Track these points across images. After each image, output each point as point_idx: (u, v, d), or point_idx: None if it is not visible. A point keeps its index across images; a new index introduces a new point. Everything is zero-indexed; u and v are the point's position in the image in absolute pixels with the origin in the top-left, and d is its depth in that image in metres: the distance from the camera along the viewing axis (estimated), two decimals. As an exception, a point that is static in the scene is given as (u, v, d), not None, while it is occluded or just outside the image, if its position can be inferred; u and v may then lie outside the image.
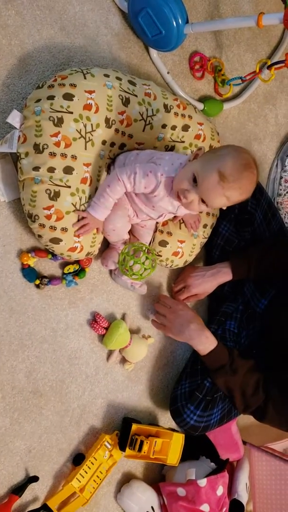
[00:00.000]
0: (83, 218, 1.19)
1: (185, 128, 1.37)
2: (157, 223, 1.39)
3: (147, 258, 1.27)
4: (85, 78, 1.19)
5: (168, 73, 1.52)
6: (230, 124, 1.73)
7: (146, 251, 1.28)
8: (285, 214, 1.86)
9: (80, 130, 1.17)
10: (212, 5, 1.65)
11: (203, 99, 1.63)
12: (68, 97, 1.16)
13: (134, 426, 1.36)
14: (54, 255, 1.25)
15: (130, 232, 1.38)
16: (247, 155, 1.11)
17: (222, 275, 1.46)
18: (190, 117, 1.38)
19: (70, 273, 1.28)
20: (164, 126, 1.33)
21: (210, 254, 1.56)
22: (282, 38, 1.88)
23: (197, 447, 1.51)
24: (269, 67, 1.54)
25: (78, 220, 1.19)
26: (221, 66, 1.68)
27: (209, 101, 1.63)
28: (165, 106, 1.32)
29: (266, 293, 1.53)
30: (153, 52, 1.48)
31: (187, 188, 1.12)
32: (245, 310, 1.54)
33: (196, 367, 1.44)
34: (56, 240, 1.17)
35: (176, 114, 1.35)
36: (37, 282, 1.23)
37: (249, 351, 1.45)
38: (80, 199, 1.19)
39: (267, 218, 1.53)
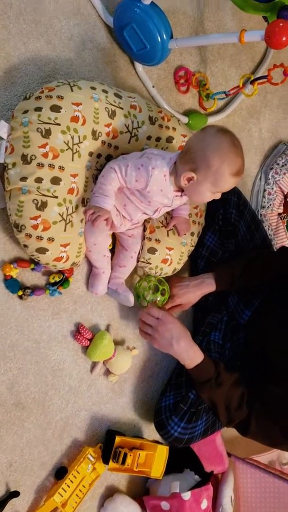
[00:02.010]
0: (92, 213, 1.17)
1: (169, 139, 1.39)
2: (144, 230, 1.40)
3: (164, 290, 1.39)
4: (72, 90, 1.20)
5: (153, 87, 1.54)
6: (214, 137, 1.75)
7: (161, 283, 1.40)
8: (268, 226, 1.88)
9: (68, 141, 1.18)
10: (197, 22, 1.68)
11: (187, 113, 1.65)
12: (56, 109, 1.16)
13: (118, 439, 1.35)
14: (37, 264, 1.24)
15: (118, 243, 1.38)
16: (224, 139, 1.16)
17: (206, 285, 1.46)
18: (174, 129, 1.40)
19: (54, 282, 1.27)
20: (149, 137, 1.34)
21: (195, 265, 1.57)
22: (266, 55, 1.92)
23: (182, 460, 1.50)
24: (252, 82, 1.57)
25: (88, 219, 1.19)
26: (205, 80, 1.70)
27: (193, 114, 1.65)
28: (150, 118, 1.34)
29: (250, 304, 1.54)
30: (139, 66, 1.50)
31: (208, 199, 1.24)
32: (230, 321, 1.55)
33: (180, 379, 1.43)
34: (42, 250, 1.17)
35: (160, 126, 1.36)
36: (20, 293, 1.22)
37: (234, 363, 1.46)
38: (67, 209, 1.19)
39: (250, 230, 1.54)
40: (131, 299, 1.37)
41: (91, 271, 1.36)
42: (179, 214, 1.39)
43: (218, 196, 1.24)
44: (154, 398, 1.52)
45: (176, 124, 1.42)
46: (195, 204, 1.45)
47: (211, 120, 1.72)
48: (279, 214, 1.96)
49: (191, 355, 1.32)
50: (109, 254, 1.34)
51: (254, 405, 1.32)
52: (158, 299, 1.39)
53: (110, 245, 1.36)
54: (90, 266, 1.36)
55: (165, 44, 1.35)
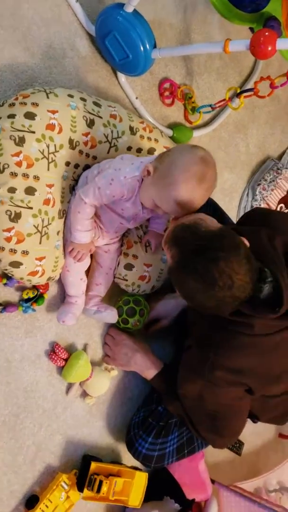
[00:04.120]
0: (72, 250, 1.18)
1: (151, 151, 1.34)
2: (121, 245, 1.34)
3: (143, 310, 1.38)
4: (48, 97, 1.15)
5: (136, 98, 1.50)
6: (200, 151, 1.71)
7: (138, 304, 1.38)
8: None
9: (43, 150, 1.13)
10: (183, 34, 1.65)
11: (172, 126, 1.61)
12: (30, 116, 1.11)
13: (93, 465, 1.27)
14: (9, 279, 1.18)
15: (94, 259, 1.32)
16: (197, 166, 1.04)
17: None
18: (156, 140, 1.35)
19: (28, 298, 1.21)
20: (129, 148, 1.29)
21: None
22: (254, 69, 1.89)
23: (161, 487, 1.42)
24: (238, 95, 1.54)
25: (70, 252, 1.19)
26: (191, 93, 1.67)
27: (178, 128, 1.61)
28: (131, 128, 1.29)
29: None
30: (121, 77, 1.46)
31: (152, 208, 1.14)
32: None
33: (152, 395, 1.39)
34: (16, 264, 1.11)
35: (142, 136, 1.32)
36: (-9, 309, 1.16)
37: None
38: (43, 220, 1.13)
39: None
40: (115, 315, 1.30)
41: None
42: (154, 228, 1.34)
43: (159, 211, 1.15)
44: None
45: (159, 135, 1.37)
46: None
47: (197, 134, 1.68)
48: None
49: (147, 367, 1.33)
50: (86, 280, 1.28)
51: None
52: (136, 319, 1.36)
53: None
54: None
55: (148, 54, 1.31)
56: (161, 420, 1.32)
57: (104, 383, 1.33)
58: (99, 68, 1.43)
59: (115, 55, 1.35)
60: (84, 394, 1.33)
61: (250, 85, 1.85)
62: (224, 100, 1.57)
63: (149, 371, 1.32)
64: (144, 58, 1.32)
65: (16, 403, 1.21)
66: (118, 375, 1.40)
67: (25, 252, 1.11)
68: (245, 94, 1.52)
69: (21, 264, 1.11)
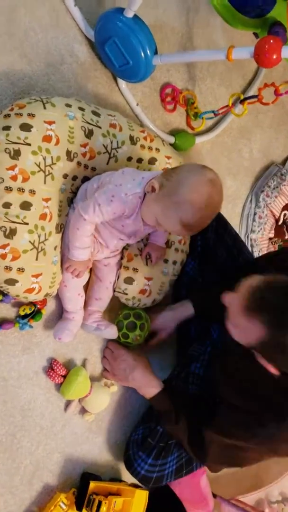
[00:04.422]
0: (68, 266, 1.15)
1: (152, 161, 1.30)
2: (121, 258, 1.30)
3: (144, 324, 1.33)
4: (44, 107, 1.11)
5: (137, 105, 1.46)
6: (202, 158, 1.67)
7: (139, 318, 1.33)
8: (259, 252, 1.79)
9: (39, 163, 1.09)
10: (185, 38, 1.61)
11: (174, 132, 1.57)
12: (26, 127, 1.07)
13: (92, 485, 1.24)
14: (5, 296, 1.14)
15: (93, 272, 1.29)
16: (205, 188, 1.01)
17: (181, 309, 1.39)
18: (157, 150, 1.31)
19: (25, 315, 1.17)
20: (129, 158, 1.25)
21: (178, 293, 1.47)
22: (257, 73, 1.84)
23: (163, 504, 1.39)
24: (242, 102, 1.50)
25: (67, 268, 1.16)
26: (193, 99, 1.62)
27: (180, 134, 1.57)
28: (131, 138, 1.25)
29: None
30: (122, 83, 1.42)
31: (152, 224, 1.11)
32: (214, 352, 1.45)
33: (151, 412, 1.35)
34: (11, 281, 1.07)
35: (142, 146, 1.28)
36: (-13, 326, 1.12)
37: (213, 396, 1.36)
38: (39, 236, 1.09)
39: (232, 254, 1.44)
40: (115, 333, 1.27)
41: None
42: (154, 241, 1.31)
43: (160, 228, 1.12)
44: (134, 436, 1.41)
45: (160, 145, 1.33)
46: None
47: (200, 140, 1.64)
48: (270, 238, 1.87)
49: (146, 385, 1.29)
50: (84, 295, 1.24)
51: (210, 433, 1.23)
52: (137, 333, 1.31)
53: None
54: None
55: (149, 60, 1.27)
56: (161, 441, 1.28)
57: (103, 399, 1.29)
58: (99, 74, 1.39)
59: (115, 61, 1.31)
60: (83, 411, 1.30)
61: (253, 90, 1.81)
62: (227, 106, 1.53)
63: (148, 390, 1.28)
64: (145, 65, 1.28)
65: (13, 422, 1.18)
66: (118, 390, 1.37)
67: (20, 269, 1.07)
68: (248, 100, 1.48)
69: (17, 281, 1.07)
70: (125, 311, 1.34)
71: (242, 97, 1.50)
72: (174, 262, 1.37)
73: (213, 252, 1.41)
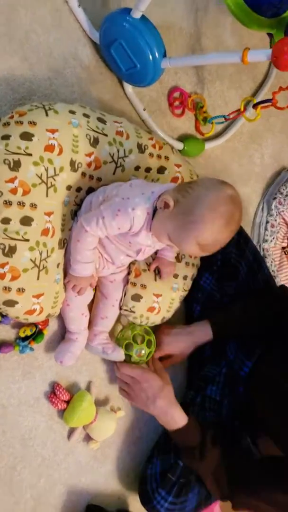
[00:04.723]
0: (69, 281, 1.07)
1: (161, 170, 1.22)
2: (128, 273, 1.22)
3: (150, 341, 1.24)
4: (47, 115, 1.03)
5: (144, 109, 1.37)
6: (212, 164, 1.59)
7: (146, 333, 1.24)
8: (271, 262, 1.71)
9: (41, 174, 1.01)
10: (193, 38, 1.53)
11: (183, 138, 1.49)
12: (27, 136, 0.99)
13: (97, 519, 1.16)
14: (4, 317, 1.06)
15: (98, 289, 1.20)
16: (225, 207, 0.93)
17: (200, 333, 1.29)
18: (166, 158, 1.23)
19: (26, 337, 1.09)
20: (137, 168, 1.17)
21: (191, 309, 1.39)
22: (268, 74, 1.76)
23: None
24: (254, 106, 1.41)
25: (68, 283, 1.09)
26: (202, 102, 1.54)
27: (189, 140, 1.48)
28: (139, 146, 1.17)
29: (251, 354, 1.35)
30: (128, 87, 1.34)
31: (165, 243, 1.03)
32: (229, 373, 1.37)
33: (169, 442, 1.24)
34: (10, 303, 0.99)
35: (151, 155, 1.19)
36: (-16, 351, 1.04)
37: (231, 423, 1.27)
38: (41, 253, 1.01)
39: (252, 271, 1.37)
40: (122, 356, 1.18)
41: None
42: (163, 255, 1.21)
43: (175, 249, 1.06)
44: (142, 463, 1.32)
45: (169, 152, 1.25)
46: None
47: (209, 146, 1.55)
48: (283, 248, 1.79)
49: (169, 417, 1.16)
50: (88, 314, 1.16)
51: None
52: (143, 351, 1.21)
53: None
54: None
55: (157, 63, 1.18)
56: (183, 477, 1.17)
57: (110, 426, 1.21)
58: (104, 78, 1.31)
59: (121, 65, 1.23)
60: (88, 438, 1.22)
61: (264, 92, 1.73)
62: (238, 110, 1.44)
63: (170, 422, 1.16)
64: (153, 68, 1.20)
65: (13, 454, 1.09)
66: (126, 414, 1.28)
67: (20, 290, 0.99)
68: (262, 105, 1.39)
69: (17, 302, 0.99)
70: (131, 326, 1.25)
71: (254, 101, 1.41)
72: (185, 277, 1.29)
73: (234, 268, 1.32)
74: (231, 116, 1.46)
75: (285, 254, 1.81)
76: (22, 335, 1.09)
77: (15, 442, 1.10)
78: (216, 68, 1.60)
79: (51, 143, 1.02)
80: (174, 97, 1.47)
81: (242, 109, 1.43)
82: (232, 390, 1.33)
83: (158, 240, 1.05)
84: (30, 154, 0.99)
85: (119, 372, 1.20)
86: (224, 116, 1.48)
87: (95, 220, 1.00)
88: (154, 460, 1.23)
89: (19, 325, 1.10)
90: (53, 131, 1.02)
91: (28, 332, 1.09)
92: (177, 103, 1.48)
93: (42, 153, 1.00)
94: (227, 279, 1.35)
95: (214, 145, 1.58)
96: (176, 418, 1.15)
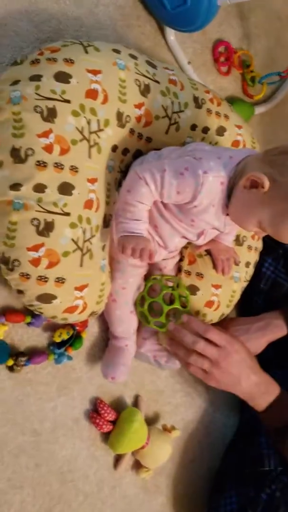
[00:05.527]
0: (133, 248, 0.78)
1: (220, 131, 0.98)
2: (180, 260, 0.98)
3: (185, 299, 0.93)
4: (86, 52, 0.79)
5: (189, 63, 1.14)
6: (262, 133, 1.35)
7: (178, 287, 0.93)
8: None
9: (82, 128, 0.77)
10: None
11: (230, 100, 1.24)
12: (63, 78, 0.75)
13: None
14: (35, 317, 0.82)
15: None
16: None
17: (273, 329, 1.04)
18: (226, 117, 0.99)
19: (62, 342, 0.85)
20: (193, 127, 0.93)
21: (249, 303, 1.15)
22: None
23: None
24: None
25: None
26: (249, 60, 1.31)
27: (237, 103, 1.25)
28: (195, 99, 0.93)
29: None
30: (170, 34, 1.10)
31: (252, 230, 0.80)
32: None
33: (244, 470, 1.01)
34: (47, 298, 0.75)
35: (209, 111, 0.96)
36: (11, 362, 0.80)
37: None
38: (84, 232, 0.77)
39: None
40: (177, 363, 0.95)
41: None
42: (220, 238, 0.95)
43: (260, 234, 0.83)
44: (200, 488, 1.09)
45: (228, 110, 1.01)
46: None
47: (259, 111, 1.32)
48: None
49: (263, 389, 0.92)
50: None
51: None
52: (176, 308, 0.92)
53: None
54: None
55: (212, -1, 0.95)
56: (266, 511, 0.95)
57: (164, 450, 0.97)
58: (141, 22, 1.07)
59: (167, 2, 0.99)
60: (137, 465, 0.98)
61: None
62: (297, 66, 1.22)
63: (264, 396, 0.92)
64: (207, 5, 0.96)
65: (49, 493, 0.85)
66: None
67: (60, 280, 0.74)
68: None
69: (55, 297, 0.75)
70: (154, 279, 0.93)
71: None
72: (247, 264, 1.05)
73: None
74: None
75: None
76: (58, 339, 0.84)
77: (51, 478, 0.86)
78: (263, 22, 1.36)
79: (94, 88, 0.78)
80: (219, 51, 1.24)
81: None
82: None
83: (240, 226, 0.82)
84: (68, 101, 0.75)
85: (198, 342, 0.89)
86: (279, 74, 1.24)
87: (154, 171, 0.77)
88: (228, 495, 0.99)
89: (51, 328, 0.86)
90: (95, 73, 0.78)
91: (65, 336, 0.85)
92: (222, 59, 1.25)
93: (83, 100, 0.76)
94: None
95: (263, 110, 1.35)
96: (271, 389, 0.92)
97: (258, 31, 1.36)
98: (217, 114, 0.97)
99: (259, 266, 1.11)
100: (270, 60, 1.40)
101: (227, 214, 0.82)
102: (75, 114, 0.75)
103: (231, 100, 1.26)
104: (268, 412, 0.92)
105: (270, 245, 1.11)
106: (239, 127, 1.02)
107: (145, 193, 0.78)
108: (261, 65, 1.37)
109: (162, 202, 0.82)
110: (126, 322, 0.90)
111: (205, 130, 0.96)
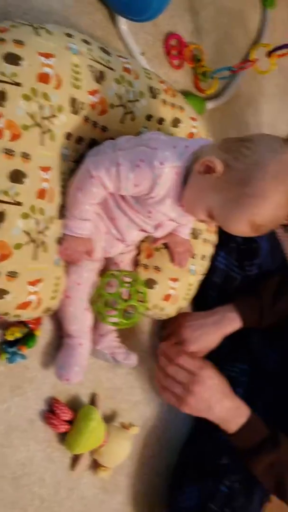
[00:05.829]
0: (66, 250, 0.79)
1: (175, 123, 0.97)
2: (138, 254, 0.96)
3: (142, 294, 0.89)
4: (37, 34, 0.75)
5: (142, 54, 1.12)
6: (213, 128, 1.35)
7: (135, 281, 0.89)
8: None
9: (34, 113, 0.73)
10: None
11: (182, 94, 1.24)
12: (13, 59, 0.71)
13: None
14: (-15, 315, 0.77)
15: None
16: None
17: (229, 322, 1.05)
18: (181, 108, 0.99)
19: (15, 340, 0.81)
20: (149, 117, 0.92)
21: (204, 296, 1.14)
22: (261, 33, 1.55)
23: None
24: (269, 54, 1.20)
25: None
26: (200, 55, 1.31)
27: (189, 97, 1.24)
28: (150, 89, 0.92)
29: (276, 345, 1.14)
30: (122, 23, 1.08)
31: (201, 218, 0.79)
32: (254, 370, 1.14)
33: (202, 464, 1.00)
34: (-2, 293, 0.70)
35: (164, 101, 0.94)
36: None
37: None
38: (38, 223, 0.74)
39: (273, 247, 1.16)
40: (134, 360, 0.92)
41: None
42: (176, 231, 0.95)
43: (211, 225, 0.86)
44: (159, 485, 1.08)
45: (183, 102, 1.01)
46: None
47: (210, 106, 1.32)
48: (285, 226, 1.59)
49: (235, 413, 0.92)
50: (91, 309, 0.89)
51: None
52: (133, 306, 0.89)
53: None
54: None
55: (166, -14, 0.94)
56: (227, 505, 0.94)
57: (124, 447, 0.95)
58: (93, 10, 1.04)
59: (119, -11, 0.97)
60: (95, 465, 0.95)
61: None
62: (248, 61, 1.23)
63: (236, 420, 0.91)
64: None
65: (2, 499, 0.81)
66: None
67: (12, 274, 0.71)
68: (279, 52, 1.18)
69: (7, 292, 0.71)
70: (110, 274, 0.89)
71: (270, 47, 1.20)
72: (203, 257, 1.05)
73: (255, 243, 1.09)
74: (238, 68, 1.24)
75: (286, 232, 1.61)
76: (11, 338, 0.80)
77: (4, 483, 0.81)
78: (214, 17, 1.37)
79: (46, 72, 0.74)
80: (171, 44, 1.23)
81: (252, 58, 1.21)
82: (260, 391, 1.11)
83: (189, 214, 0.80)
84: (18, 84, 0.71)
85: (170, 367, 0.90)
86: (230, 68, 1.25)
87: (107, 165, 0.74)
88: (188, 490, 0.98)
89: (4, 326, 0.82)
90: (47, 56, 0.75)
91: (18, 334, 0.81)
92: (174, 52, 1.24)
93: (34, 83, 0.73)
94: (249, 257, 1.12)
95: (214, 106, 1.35)
96: (242, 412, 0.92)
97: (208, 26, 1.36)
98: (172, 105, 0.96)
99: (212, 259, 1.11)
100: (220, 55, 1.40)
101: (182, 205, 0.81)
102: (26, 98, 0.72)
103: (184, 94, 1.25)
104: (238, 434, 0.92)
105: (223, 238, 1.11)
106: (194, 119, 1.01)
107: (96, 193, 0.77)
108: (211, 60, 1.37)
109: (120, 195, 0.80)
110: (80, 320, 0.86)
111: (160, 121, 0.94)
